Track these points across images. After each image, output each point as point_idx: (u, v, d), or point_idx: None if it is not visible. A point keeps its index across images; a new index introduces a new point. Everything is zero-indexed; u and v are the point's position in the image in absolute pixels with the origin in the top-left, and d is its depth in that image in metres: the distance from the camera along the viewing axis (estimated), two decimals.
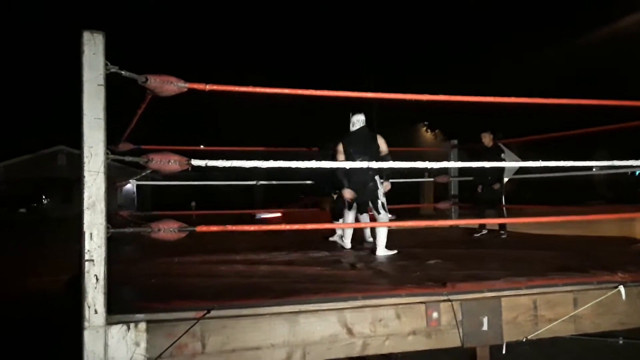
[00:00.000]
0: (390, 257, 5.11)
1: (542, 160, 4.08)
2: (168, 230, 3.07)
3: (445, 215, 8.50)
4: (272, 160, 3.39)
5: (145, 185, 25.62)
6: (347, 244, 5.88)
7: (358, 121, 5.66)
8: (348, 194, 5.55)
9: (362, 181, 5.47)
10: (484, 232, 7.20)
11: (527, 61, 25.77)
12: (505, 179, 10.98)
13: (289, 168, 3.46)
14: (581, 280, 3.65)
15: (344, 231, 6.02)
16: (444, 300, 3.30)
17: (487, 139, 7.30)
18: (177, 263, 4.62)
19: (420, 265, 4.45)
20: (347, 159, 5.49)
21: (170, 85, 3.12)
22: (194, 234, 3.16)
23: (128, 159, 3.12)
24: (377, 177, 5.49)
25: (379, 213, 5.51)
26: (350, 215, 5.81)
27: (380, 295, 3.27)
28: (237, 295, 3.20)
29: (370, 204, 5.57)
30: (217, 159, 3.21)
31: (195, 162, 3.18)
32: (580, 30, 24.50)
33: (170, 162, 3.11)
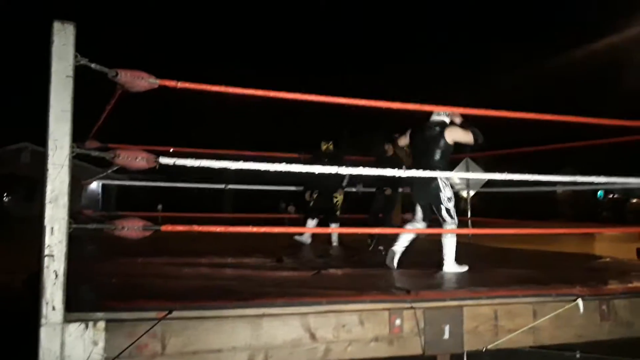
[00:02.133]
0: (458, 274, 4.58)
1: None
2: (132, 228, 3.01)
3: None
4: (242, 162, 3.37)
5: (110, 187, 25.23)
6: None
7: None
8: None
9: (423, 180, 4.84)
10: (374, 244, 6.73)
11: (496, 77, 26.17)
12: (472, 192, 11.17)
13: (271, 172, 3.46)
14: (541, 292, 3.72)
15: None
16: (408, 308, 3.31)
17: (390, 149, 7.43)
18: (140, 264, 4.55)
19: (387, 273, 4.47)
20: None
21: (140, 81, 3.08)
22: (160, 235, 3.11)
23: (94, 154, 3.06)
24: (443, 178, 4.83)
25: (444, 220, 4.86)
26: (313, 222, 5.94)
27: (345, 301, 3.27)
28: (200, 297, 3.16)
29: (433, 209, 4.88)
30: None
31: (163, 160, 3.14)
32: (557, 49, 25.02)
33: (138, 159, 3.06)
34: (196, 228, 4.07)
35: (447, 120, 4.92)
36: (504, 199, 19.80)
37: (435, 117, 4.94)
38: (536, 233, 4.40)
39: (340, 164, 4.63)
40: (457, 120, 4.95)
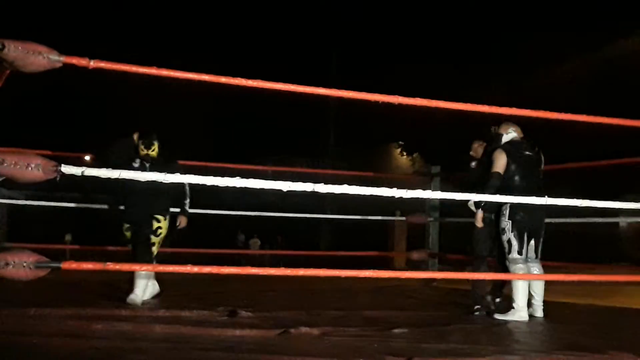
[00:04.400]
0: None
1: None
2: (20, 265, 2.94)
3: (420, 268, 8.56)
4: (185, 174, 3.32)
5: None
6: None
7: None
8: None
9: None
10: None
11: (540, 73, 26.61)
12: None
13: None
14: None
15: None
16: None
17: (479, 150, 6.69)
18: (32, 316, 4.47)
19: (382, 334, 4.44)
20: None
21: (37, 58, 3.04)
22: (64, 276, 3.05)
23: None
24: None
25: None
26: None
27: None
28: None
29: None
30: None
31: (67, 169, 3.08)
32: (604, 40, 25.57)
33: (31, 167, 3.00)
34: (110, 267, 4.02)
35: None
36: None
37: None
38: (590, 280, 4.40)
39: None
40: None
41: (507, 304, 5.60)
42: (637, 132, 4.35)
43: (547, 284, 5.77)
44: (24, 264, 2.96)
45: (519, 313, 5.45)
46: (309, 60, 31.10)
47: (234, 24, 33.22)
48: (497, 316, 5.55)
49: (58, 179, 3.12)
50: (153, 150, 6.00)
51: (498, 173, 5.59)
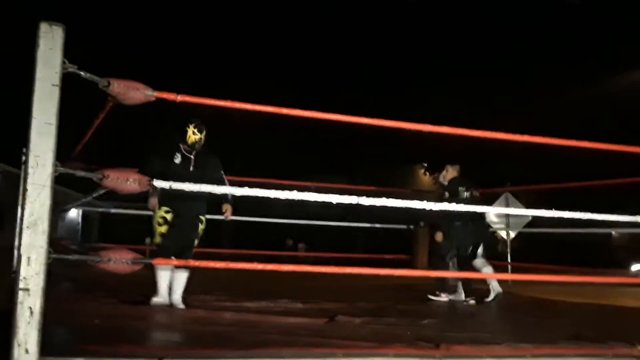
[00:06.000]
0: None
1: None
2: (120, 260, 3.03)
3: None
4: (246, 188, 3.39)
5: (92, 215, 25.39)
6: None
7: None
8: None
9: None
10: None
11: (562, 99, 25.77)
12: (512, 233, 11.06)
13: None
14: (595, 352, 3.64)
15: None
16: None
17: (448, 174, 6.74)
18: (125, 304, 4.55)
19: (413, 324, 4.44)
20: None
21: (136, 93, 3.14)
22: (150, 273, 3.13)
23: (80, 174, 3.10)
24: None
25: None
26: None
27: (364, 354, 3.23)
28: (194, 343, 3.15)
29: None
30: None
31: (158, 184, 3.18)
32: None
33: (129, 182, 3.09)
34: (192, 263, 4.11)
35: None
36: (548, 242, 19.61)
37: None
38: (589, 281, 4.36)
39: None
40: None
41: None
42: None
43: (553, 285, 5.73)
44: (123, 260, 3.04)
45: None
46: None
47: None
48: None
49: (151, 191, 3.23)
50: (203, 135, 5.09)
51: None
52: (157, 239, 4.95)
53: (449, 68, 27.27)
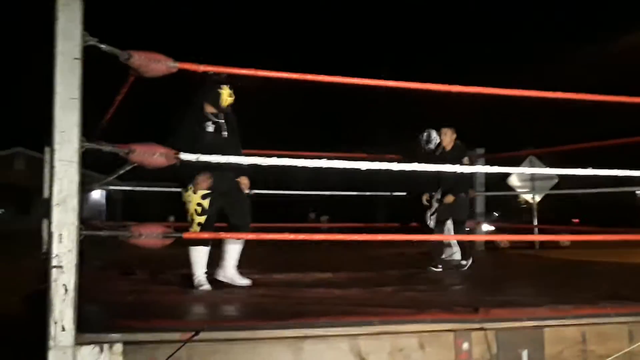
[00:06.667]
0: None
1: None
2: (151, 235, 2.99)
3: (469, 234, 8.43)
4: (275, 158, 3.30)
5: (115, 196, 25.65)
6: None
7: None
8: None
9: None
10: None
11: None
12: (538, 197, 10.92)
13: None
14: (638, 310, 3.57)
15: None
16: (477, 329, 3.21)
17: (447, 138, 6.32)
18: (155, 278, 4.55)
19: (445, 290, 4.39)
20: None
21: (157, 64, 3.06)
22: (178, 248, 3.09)
23: (107, 149, 3.04)
24: None
25: None
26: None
27: (401, 321, 3.18)
28: (231, 316, 3.12)
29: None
30: None
31: (185, 157, 3.12)
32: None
33: (156, 155, 3.03)
34: (222, 235, 4.06)
35: None
36: (574, 205, 19.43)
37: None
38: (617, 240, 4.28)
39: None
40: None
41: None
42: None
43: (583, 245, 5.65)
44: (154, 234, 3.00)
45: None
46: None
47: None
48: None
49: (178, 164, 3.17)
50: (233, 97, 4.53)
51: None
52: (195, 228, 4.20)
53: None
